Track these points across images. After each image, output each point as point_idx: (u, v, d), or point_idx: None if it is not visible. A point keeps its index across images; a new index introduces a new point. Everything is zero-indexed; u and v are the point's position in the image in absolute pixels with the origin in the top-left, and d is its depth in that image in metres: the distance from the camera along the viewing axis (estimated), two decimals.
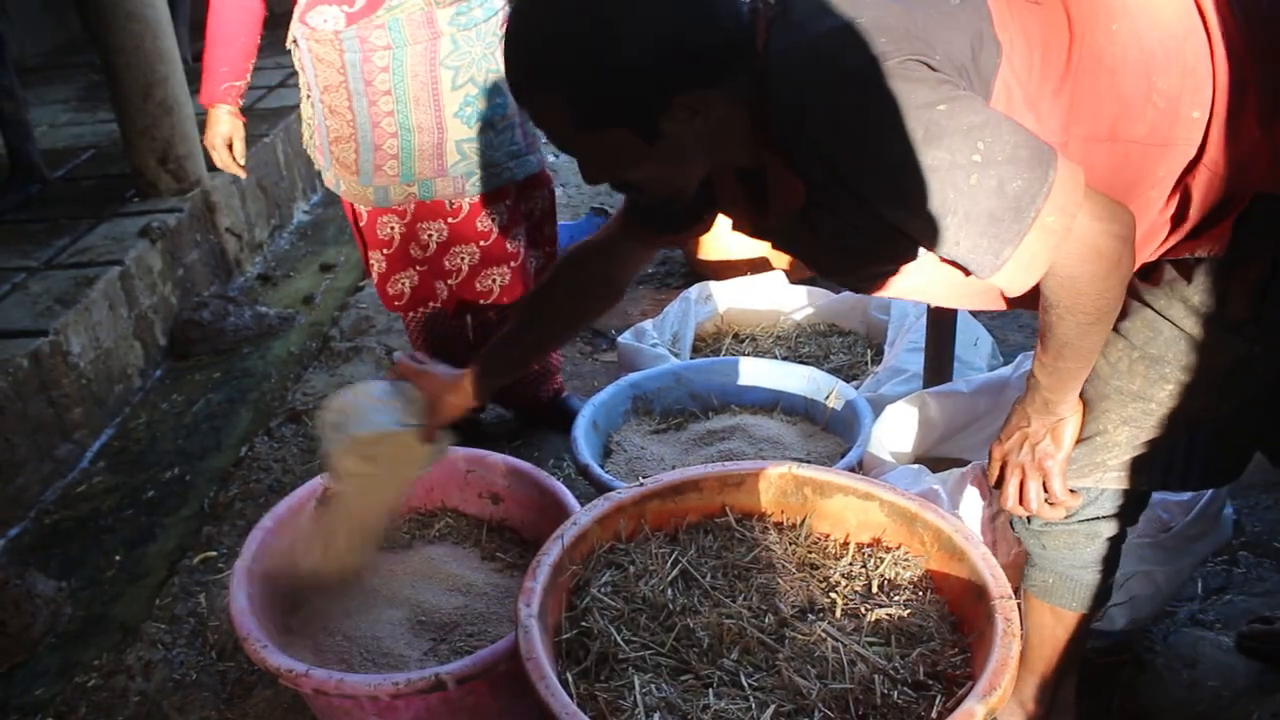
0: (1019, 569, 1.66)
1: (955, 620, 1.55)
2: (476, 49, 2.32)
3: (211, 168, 3.99)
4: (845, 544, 1.71)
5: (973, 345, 2.64)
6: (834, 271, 1.49)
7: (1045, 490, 1.46)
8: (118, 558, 2.54)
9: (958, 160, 1.14)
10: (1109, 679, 1.92)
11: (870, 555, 1.67)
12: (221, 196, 4.03)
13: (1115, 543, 1.54)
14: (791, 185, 1.31)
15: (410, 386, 1.69)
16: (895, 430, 2.08)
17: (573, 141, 1.27)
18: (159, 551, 2.55)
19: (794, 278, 3.30)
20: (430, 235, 2.46)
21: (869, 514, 1.69)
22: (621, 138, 1.23)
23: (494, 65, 2.35)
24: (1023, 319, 3.36)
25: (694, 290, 3.06)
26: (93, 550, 2.57)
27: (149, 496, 2.78)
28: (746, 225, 1.48)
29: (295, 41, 2.39)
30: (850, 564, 1.66)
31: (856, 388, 2.47)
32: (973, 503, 1.77)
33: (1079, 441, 1.44)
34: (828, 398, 2.41)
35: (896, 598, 1.58)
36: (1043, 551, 1.56)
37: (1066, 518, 1.49)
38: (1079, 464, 1.45)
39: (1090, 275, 1.22)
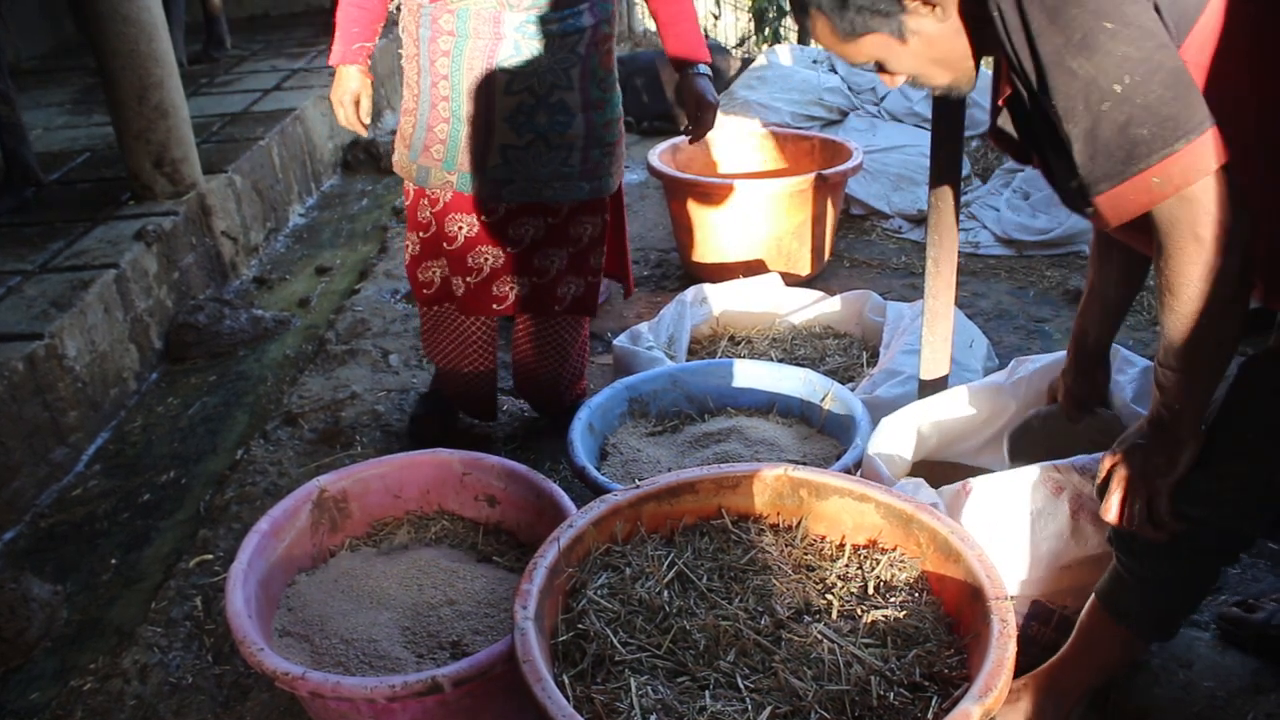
0: (1100, 566, 1.61)
1: (951, 621, 1.55)
2: (543, 61, 2.27)
3: (207, 171, 4.03)
4: (841, 546, 1.71)
5: (968, 347, 2.65)
6: (1047, 174, 1.46)
7: (1150, 510, 1.41)
8: (113, 561, 2.54)
9: (1099, 80, 1.17)
10: (1104, 681, 1.92)
11: (866, 557, 1.67)
12: (217, 200, 4.03)
13: (1208, 579, 1.49)
14: (1005, 68, 1.37)
15: None
16: (892, 442, 2.08)
17: (845, 51, 1.41)
18: (155, 555, 2.55)
19: (789, 279, 3.30)
20: (459, 228, 2.45)
21: (865, 516, 1.70)
22: (880, 41, 1.37)
23: (562, 82, 2.30)
24: (1019, 321, 3.37)
25: (689, 293, 3.07)
26: (88, 554, 2.57)
27: (145, 500, 2.78)
28: (992, 114, 1.51)
29: (399, 7, 2.39)
30: (846, 566, 1.66)
31: (852, 390, 2.47)
32: (971, 514, 1.78)
33: (1199, 467, 1.38)
34: (823, 400, 2.42)
35: (892, 599, 1.58)
36: (1132, 568, 1.50)
37: (1173, 543, 1.43)
38: (1190, 490, 1.39)
39: (1187, 254, 1.21)
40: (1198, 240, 1.20)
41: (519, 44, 2.25)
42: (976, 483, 1.79)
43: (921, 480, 1.88)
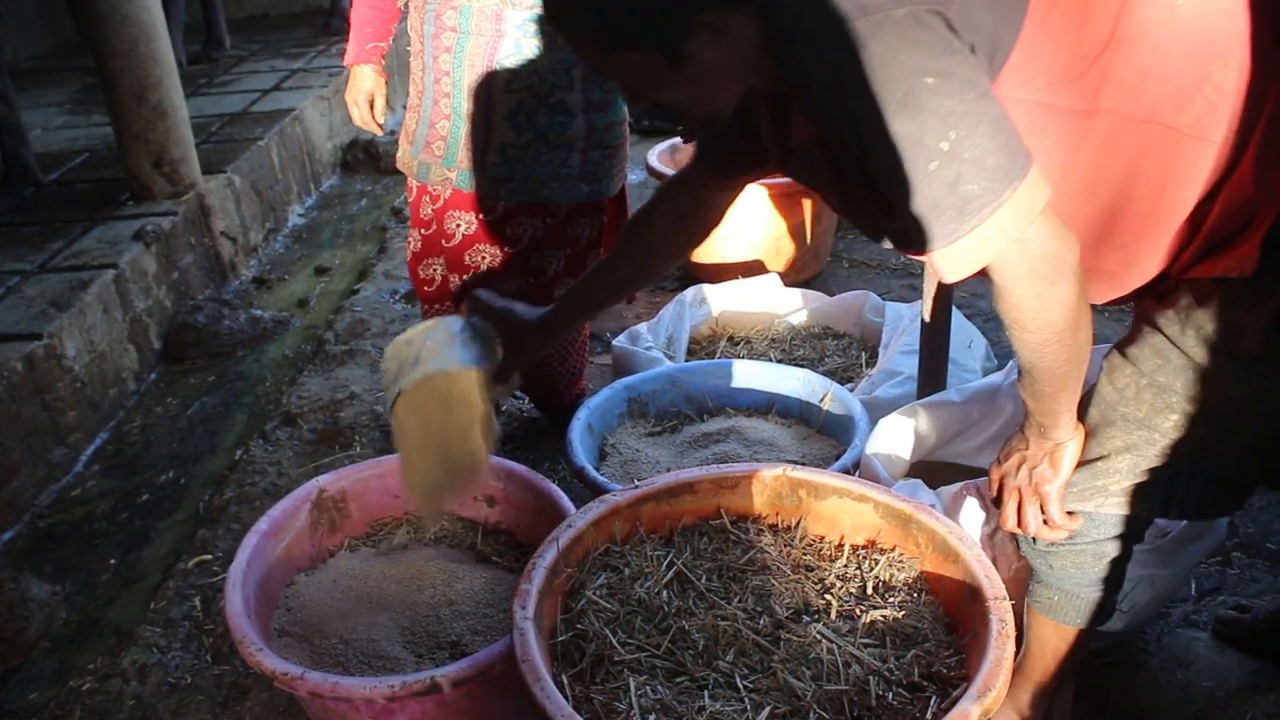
0: (1020, 584, 1.66)
1: (950, 622, 1.55)
2: (544, 60, 2.27)
3: (206, 171, 4.03)
4: (840, 546, 1.71)
5: (967, 348, 2.65)
6: (844, 210, 1.45)
7: (1043, 513, 1.45)
8: (112, 561, 2.54)
9: (924, 140, 1.13)
10: (1104, 680, 1.92)
11: (865, 557, 1.68)
12: (216, 200, 4.03)
13: (1120, 562, 1.53)
14: (802, 114, 1.31)
15: (486, 324, 1.65)
16: (890, 443, 2.09)
17: (604, 64, 1.28)
18: (154, 555, 2.55)
19: (788, 280, 3.30)
20: (458, 226, 2.45)
21: (864, 516, 1.70)
22: (647, 59, 1.24)
23: (564, 82, 2.30)
24: None
25: (689, 293, 3.07)
26: (87, 554, 2.57)
27: (144, 500, 2.78)
28: (775, 151, 1.47)
29: (405, 5, 2.41)
30: (845, 566, 1.66)
31: (851, 390, 2.47)
32: (970, 516, 1.78)
33: (1081, 465, 1.42)
34: (822, 400, 2.42)
35: (891, 599, 1.58)
36: (1049, 570, 1.54)
37: (1072, 539, 1.48)
38: (1079, 488, 1.43)
39: (1025, 293, 1.22)
40: (1035, 277, 1.20)
41: (520, 42, 2.26)
42: (975, 484, 1.79)
43: (919, 481, 1.88)
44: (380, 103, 2.52)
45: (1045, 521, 1.46)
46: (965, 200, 1.14)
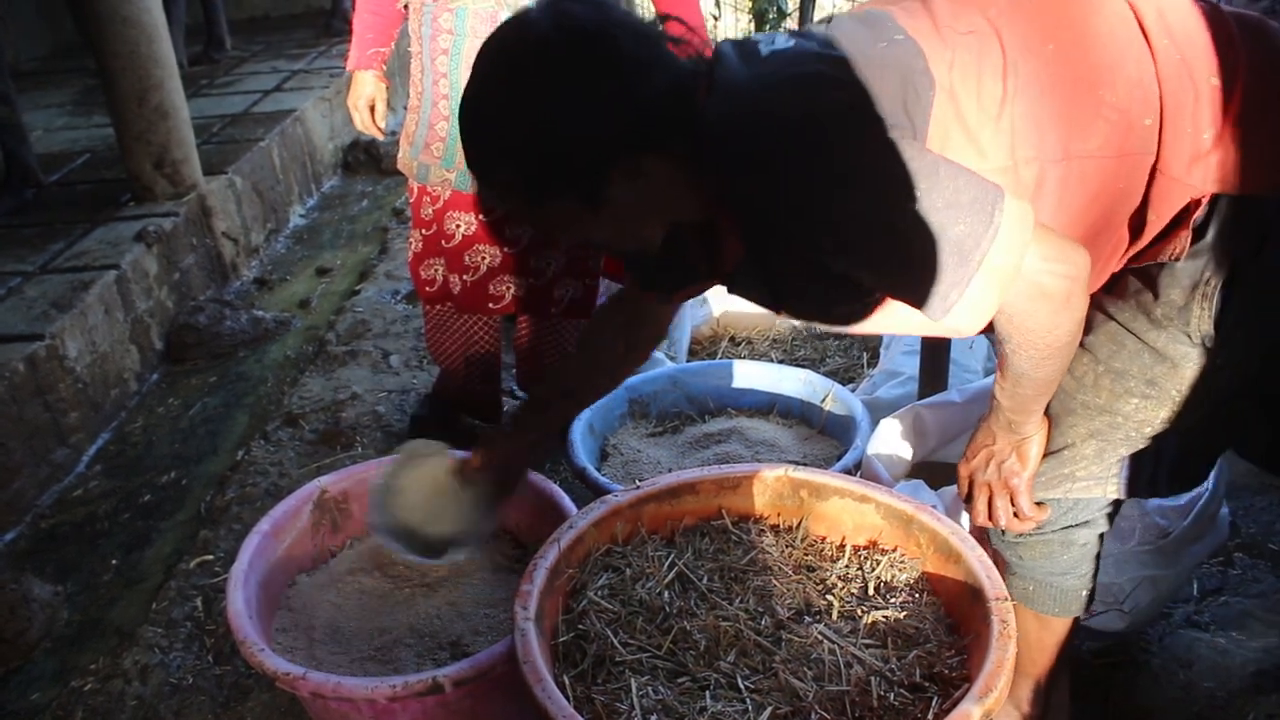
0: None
1: (951, 622, 1.55)
2: None
3: (207, 172, 4.03)
4: (841, 546, 1.71)
5: (968, 348, 2.65)
6: (800, 314, 1.48)
7: (1013, 505, 1.47)
8: (114, 562, 2.54)
9: (896, 210, 1.14)
10: (1105, 680, 1.92)
11: (866, 558, 1.68)
12: (217, 201, 4.03)
13: (1089, 547, 1.55)
14: (734, 235, 1.34)
15: (472, 474, 1.78)
16: (891, 443, 2.09)
17: (533, 215, 1.33)
18: (155, 555, 2.55)
19: None
20: (457, 226, 2.45)
21: (865, 516, 1.70)
22: (571, 207, 1.27)
23: None
24: None
25: None
26: (89, 554, 2.57)
27: (145, 501, 2.78)
28: (707, 272, 1.49)
29: (405, 6, 2.41)
30: (847, 566, 1.66)
31: (852, 391, 2.47)
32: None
33: (1046, 455, 1.45)
34: (824, 400, 2.42)
35: (893, 600, 1.58)
36: (1020, 561, 1.56)
37: (1039, 528, 1.50)
38: (1046, 476, 1.46)
39: (1038, 314, 1.23)
40: (1048, 298, 1.21)
41: None
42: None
43: (920, 482, 1.88)
44: (381, 107, 2.54)
45: (1015, 514, 1.48)
46: (959, 242, 1.15)
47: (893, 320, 1.37)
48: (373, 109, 2.53)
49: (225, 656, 2.14)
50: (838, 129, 1.17)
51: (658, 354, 2.72)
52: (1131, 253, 1.34)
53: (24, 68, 6.33)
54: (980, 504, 1.50)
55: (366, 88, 2.51)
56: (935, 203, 1.14)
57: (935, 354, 2.31)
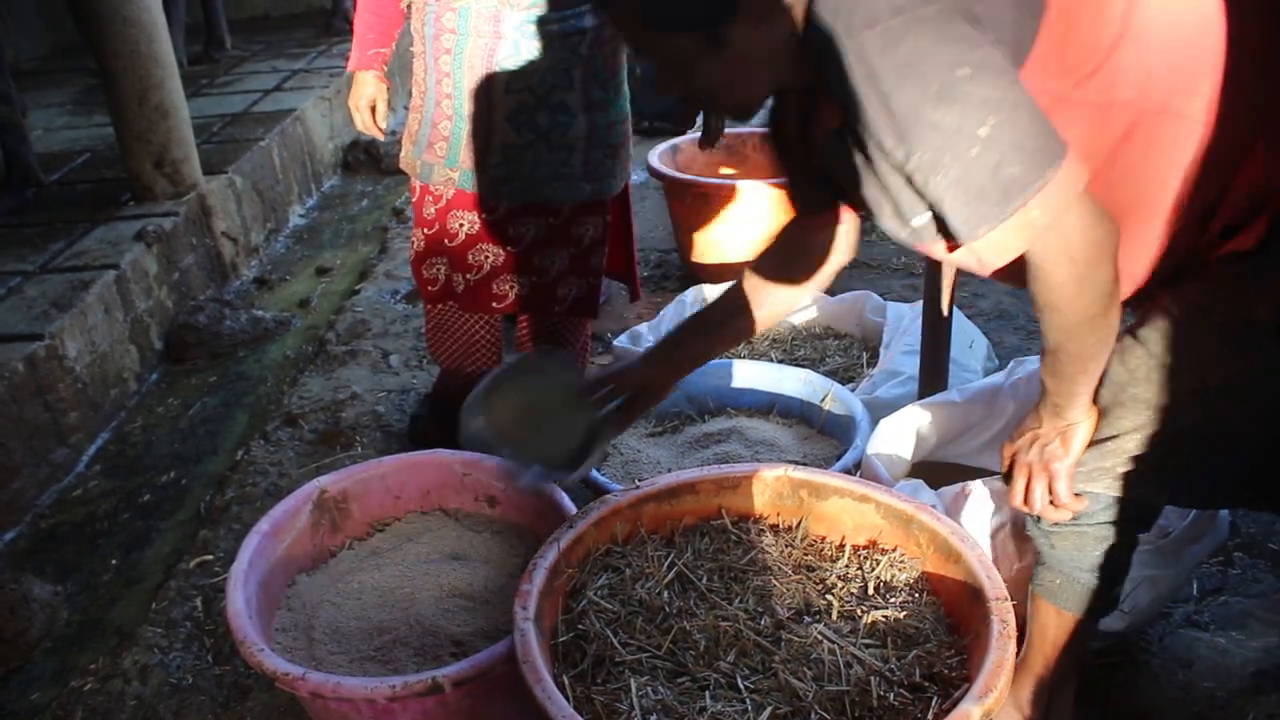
0: (1022, 585, 1.66)
1: (951, 622, 1.55)
2: (543, 61, 2.27)
3: (207, 171, 4.03)
4: (841, 546, 1.71)
5: (968, 348, 2.65)
6: (865, 205, 1.44)
7: (1050, 492, 1.46)
8: (114, 562, 2.54)
9: (964, 128, 1.16)
10: (1105, 680, 1.92)
11: (866, 557, 1.68)
12: (217, 200, 4.03)
13: (1123, 550, 1.53)
14: (830, 104, 1.32)
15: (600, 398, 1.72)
16: (891, 443, 2.09)
17: (644, 43, 1.32)
18: (155, 555, 2.55)
19: None
20: (460, 225, 2.45)
21: (865, 516, 1.70)
22: (688, 43, 1.27)
23: (563, 83, 2.31)
24: (1019, 321, 3.37)
25: (689, 293, 3.07)
26: (89, 554, 2.57)
27: (145, 500, 2.78)
28: (799, 144, 1.49)
29: (408, 6, 2.42)
30: (846, 566, 1.66)
31: (852, 390, 2.47)
32: (971, 516, 1.78)
33: (1092, 445, 1.43)
34: (824, 400, 2.42)
35: (893, 600, 1.58)
36: (1051, 551, 1.56)
37: (1075, 520, 1.49)
38: (1088, 468, 1.44)
39: (1064, 276, 1.23)
40: (1073, 262, 1.22)
41: (519, 44, 2.26)
42: (976, 485, 1.79)
43: (921, 482, 1.88)
44: (382, 108, 2.54)
45: (1052, 501, 1.47)
46: (1007, 184, 1.16)
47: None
48: (374, 110, 2.53)
49: (225, 656, 2.14)
50: (938, 28, 1.17)
51: None
52: (1204, 241, 1.32)
53: (24, 67, 6.33)
54: (1019, 485, 1.49)
55: (368, 88, 2.50)
56: (1003, 136, 1.15)
57: (935, 354, 2.31)
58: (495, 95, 2.30)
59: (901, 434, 2.11)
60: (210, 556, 2.45)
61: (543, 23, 2.25)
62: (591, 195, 2.44)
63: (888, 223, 1.35)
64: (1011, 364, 2.18)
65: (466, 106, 2.33)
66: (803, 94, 1.44)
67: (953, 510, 1.79)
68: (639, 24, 1.30)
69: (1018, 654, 1.41)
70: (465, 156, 2.37)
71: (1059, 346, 1.33)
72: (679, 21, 1.26)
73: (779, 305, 1.78)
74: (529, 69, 2.28)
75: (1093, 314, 1.28)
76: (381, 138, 2.67)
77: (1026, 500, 1.49)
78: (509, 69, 2.27)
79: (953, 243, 1.27)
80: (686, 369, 1.78)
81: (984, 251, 1.23)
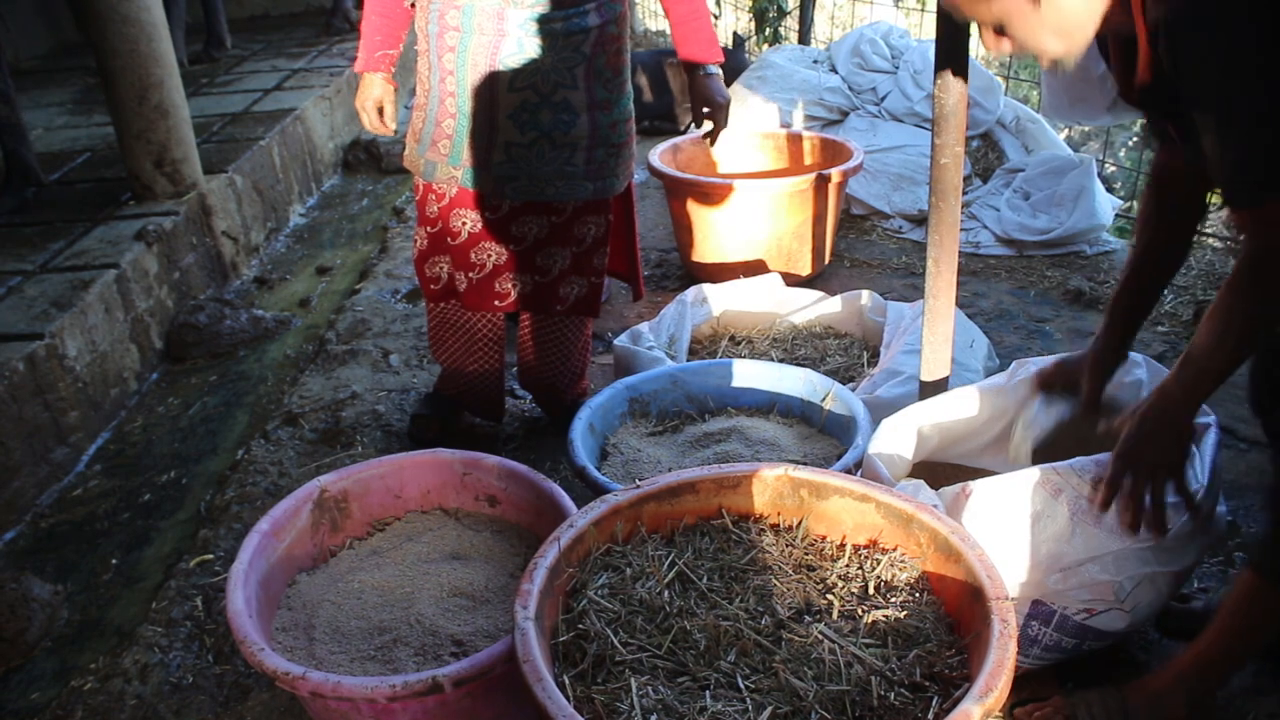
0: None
1: (952, 622, 1.55)
2: (546, 59, 2.28)
3: (207, 171, 4.03)
4: (842, 546, 1.71)
5: (969, 347, 2.65)
6: (1193, 157, 1.51)
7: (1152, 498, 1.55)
8: (114, 561, 2.54)
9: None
10: (1104, 679, 1.92)
11: (867, 557, 1.67)
12: (217, 200, 4.03)
13: None
14: (1147, 59, 1.41)
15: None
16: (892, 443, 2.08)
17: (972, 4, 1.44)
18: (155, 555, 2.55)
19: (790, 279, 3.30)
20: (463, 224, 2.46)
21: (865, 516, 1.70)
22: (1010, 3, 1.38)
23: (567, 81, 2.31)
24: (1019, 321, 3.37)
25: (690, 293, 3.07)
26: (89, 554, 2.57)
27: (145, 500, 2.78)
28: (1123, 86, 1.55)
29: (413, 4, 2.42)
30: (847, 566, 1.66)
31: (853, 390, 2.47)
32: (972, 516, 1.77)
33: None
34: (824, 400, 2.42)
35: (893, 599, 1.58)
36: None
37: None
38: None
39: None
40: None
41: (522, 41, 2.26)
42: (976, 485, 1.78)
43: (921, 482, 1.87)
44: (389, 109, 2.53)
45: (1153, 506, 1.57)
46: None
47: None
48: (381, 111, 2.52)
49: (225, 656, 2.14)
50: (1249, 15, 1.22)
51: (658, 353, 2.72)
52: None
53: (24, 66, 6.33)
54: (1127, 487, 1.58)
55: (375, 89, 2.50)
56: None
57: (936, 354, 2.30)
58: (499, 93, 2.30)
59: (903, 434, 2.11)
60: (210, 556, 2.45)
61: (546, 21, 2.25)
62: (594, 194, 2.44)
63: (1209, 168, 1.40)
64: (1014, 365, 2.17)
65: (470, 104, 2.33)
66: (1124, 41, 1.48)
67: (953, 510, 1.79)
68: None
69: (1020, 654, 1.41)
70: (468, 155, 2.37)
71: (1225, 331, 1.39)
72: None
73: (1175, 256, 1.84)
74: (533, 67, 2.28)
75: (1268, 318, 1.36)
76: (391, 134, 2.66)
77: (1131, 509, 1.57)
78: (512, 67, 2.27)
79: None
80: (1123, 327, 1.87)
81: (1254, 220, 1.29)
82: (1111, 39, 1.49)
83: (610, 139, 2.41)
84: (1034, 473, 1.74)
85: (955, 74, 1.91)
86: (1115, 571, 1.74)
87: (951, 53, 1.90)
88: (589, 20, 2.28)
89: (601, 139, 2.39)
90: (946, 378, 2.29)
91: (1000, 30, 1.44)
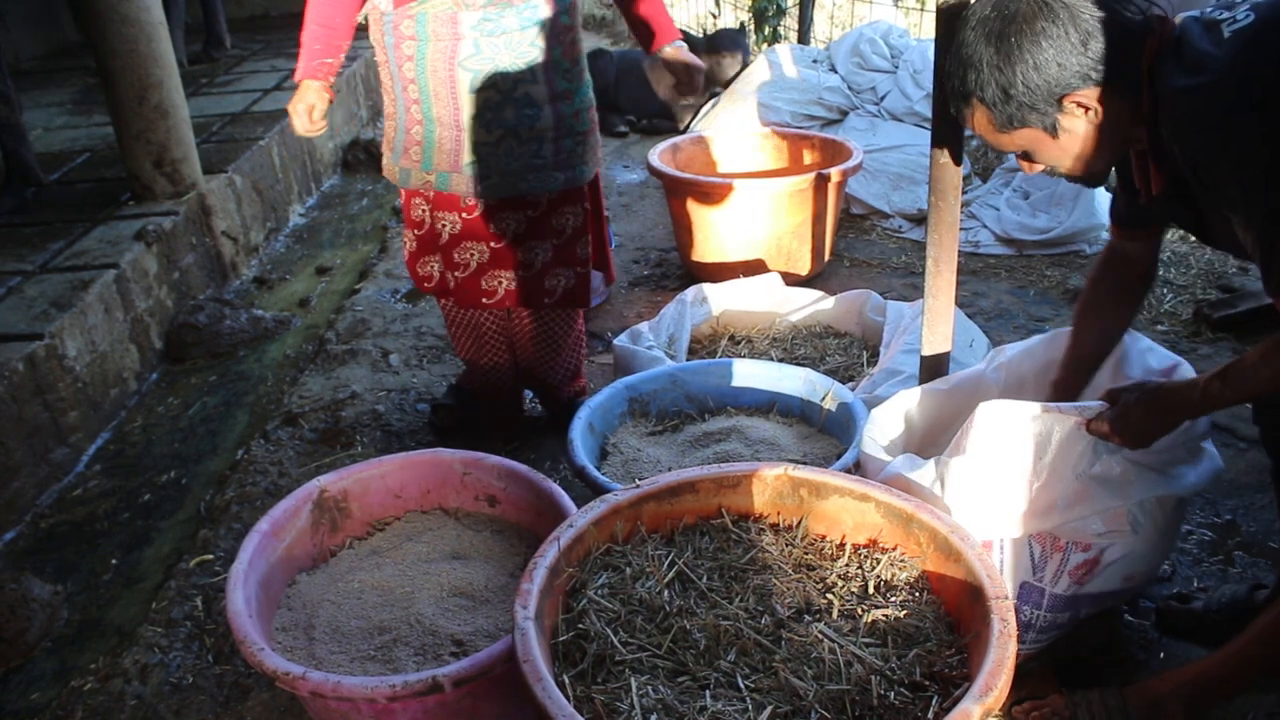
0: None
1: (952, 621, 1.55)
2: (504, 57, 2.30)
3: (207, 171, 4.03)
4: (842, 545, 1.71)
5: (969, 346, 2.65)
6: (1208, 241, 1.73)
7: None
8: (114, 561, 2.54)
9: None
10: (1104, 678, 1.92)
11: (867, 556, 1.67)
12: (217, 200, 4.03)
13: None
14: (1157, 169, 1.57)
15: None
16: (884, 431, 2.08)
17: (998, 139, 1.61)
18: (155, 555, 2.55)
19: (789, 279, 3.30)
20: (445, 225, 2.50)
21: (865, 515, 1.70)
22: (1032, 135, 1.57)
23: (527, 77, 2.33)
24: (1019, 320, 3.37)
25: (690, 293, 3.06)
26: (89, 554, 2.57)
27: (145, 500, 2.78)
28: (1144, 194, 1.67)
29: (365, 19, 2.43)
30: (847, 565, 1.66)
31: (852, 389, 2.47)
32: (976, 441, 1.72)
33: None
34: (824, 399, 2.42)
35: (893, 598, 1.58)
36: None
37: None
38: None
39: None
40: None
41: (478, 42, 2.28)
42: (980, 408, 1.73)
43: (912, 454, 1.86)
44: (319, 113, 2.49)
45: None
46: None
47: None
48: (311, 114, 2.49)
49: (225, 656, 2.14)
50: (1257, 123, 1.33)
51: (657, 352, 2.72)
52: None
53: (24, 66, 6.32)
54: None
55: (309, 95, 2.47)
56: None
57: (935, 353, 2.30)
58: (461, 96, 2.33)
59: (893, 422, 2.09)
60: (210, 556, 2.45)
61: (500, 19, 2.27)
62: (566, 183, 2.47)
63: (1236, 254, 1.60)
64: (991, 353, 2.17)
65: (434, 109, 2.36)
66: (1139, 155, 1.63)
67: (960, 439, 1.73)
68: (992, 128, 1.58)
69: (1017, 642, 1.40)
70: (439, 159, 2.41)
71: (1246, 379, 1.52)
72: (1021, 122, 1.55)
73: (1117, 331, 1.99)
74: (492, 66, 2.31)
75: None
76: (321, 133, 2.66)
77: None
78: (472, 68, 2.31)
79: None
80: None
81: None
82: (1134, 155, 1.63)
83: (575, 128, 2.45)
84: (1035, 406, 1.71)
85: None
86: (1123, 498, 1.72)
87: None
88: (541, 13, 2.31)
89: (567, 129, 2.42)
90: (946, 377, 2.29)
91: (1026, 156, 1.62)
